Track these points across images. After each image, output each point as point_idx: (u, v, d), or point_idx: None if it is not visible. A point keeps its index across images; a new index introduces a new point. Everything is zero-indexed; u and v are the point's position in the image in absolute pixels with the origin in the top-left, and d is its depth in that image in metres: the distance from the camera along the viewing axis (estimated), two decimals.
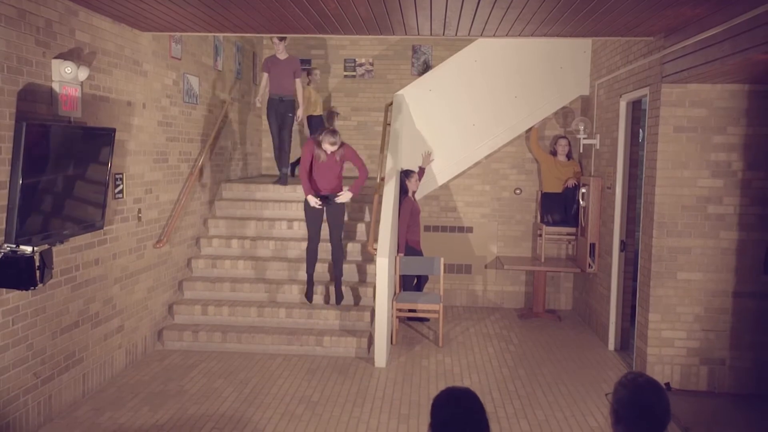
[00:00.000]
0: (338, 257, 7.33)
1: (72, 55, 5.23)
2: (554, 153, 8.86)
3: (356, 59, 10.49)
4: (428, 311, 7.92)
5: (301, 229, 8.23)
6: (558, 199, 8.75)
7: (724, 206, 6.04)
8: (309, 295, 7.33)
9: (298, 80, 8.89)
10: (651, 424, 2.38)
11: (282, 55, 8.71)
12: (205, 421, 5.25)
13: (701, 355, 6.14)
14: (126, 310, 6.34)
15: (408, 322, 8.26)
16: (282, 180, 8.91)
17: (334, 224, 7.35)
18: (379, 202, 7.57)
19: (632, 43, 6.79)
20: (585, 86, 8.67)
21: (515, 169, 9.28)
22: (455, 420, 2.39)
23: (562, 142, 8.78)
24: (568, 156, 8.78)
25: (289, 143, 9.03)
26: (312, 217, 7.28)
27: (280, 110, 8.81)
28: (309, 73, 9.58)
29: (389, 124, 8.37)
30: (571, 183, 8.61)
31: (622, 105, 7.18)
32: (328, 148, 7.05)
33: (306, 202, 7.21)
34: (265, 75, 8.81)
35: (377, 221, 7.39)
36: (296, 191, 8.74)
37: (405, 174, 8.08)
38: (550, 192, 8.81)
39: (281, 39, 8.58)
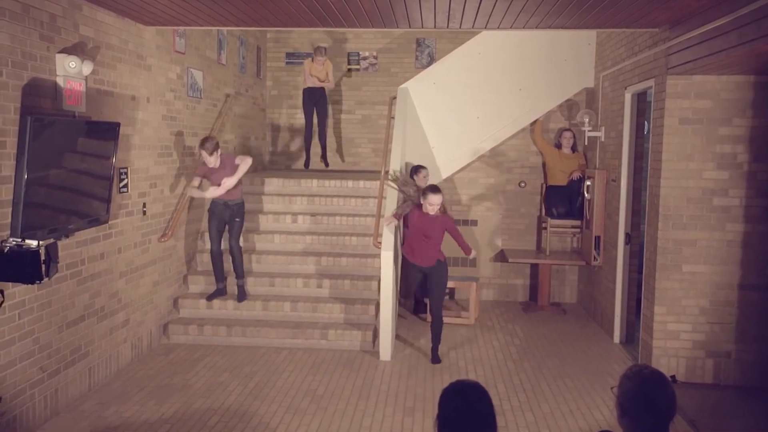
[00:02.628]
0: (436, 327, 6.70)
1: (76, 49, 5.23)
2: (559, 146, 8.84)
3: (360, 53, 10.46)
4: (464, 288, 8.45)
5: (305, 222, 8.23)
6: (563, 191, 8.72)
7: (729, 198, 6.02)
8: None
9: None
10: (656, 417, 2.38)
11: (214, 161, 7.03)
12: (211, 415, 5.27)
13: (707, 347, 6.13)
14: (131, 304, 6.36)
15: (413, 315, 8.27)
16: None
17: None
18: (383, 197, 7.55)
19: (637, 34, 6.75)
20: (590, 78, 8.64)
21: (520, 162, 9.25)
22: (462, 412, 2.39)
23: (567, 134, 8.75)
24: (573, 148, 8.76)
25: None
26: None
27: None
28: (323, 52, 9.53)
29: (393, 118, 8.35)
30: (575, 176, 8.58)
31: (627, 97, 7.15)
32: (434, 202, 6.47)
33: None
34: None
35: (382, 215, 7.37)
36: (300, 185, 8.75)
37: (414, 170, 7.68)
38: (555, 185, 8.79)
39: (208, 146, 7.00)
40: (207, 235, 7.45)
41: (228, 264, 7.44)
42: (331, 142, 10.40)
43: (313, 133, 9.77)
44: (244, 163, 7.12)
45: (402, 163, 7.73)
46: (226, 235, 7.39)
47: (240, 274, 7.37)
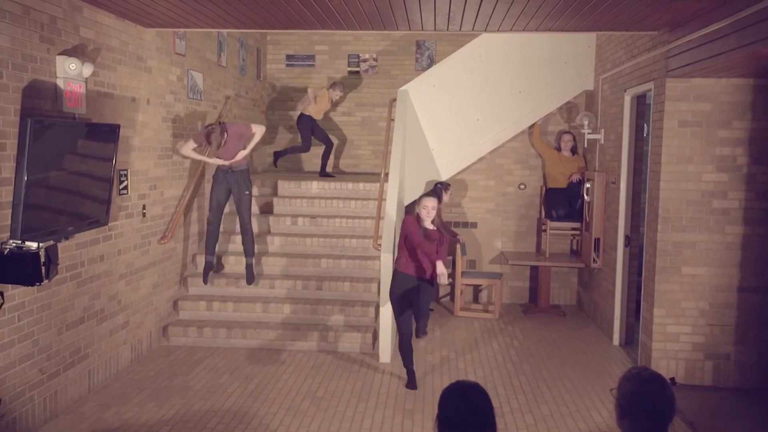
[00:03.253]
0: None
1: (76, 51, 5.24)
2: (559, 148, 8.85)
3: (360, 55, 10.47)
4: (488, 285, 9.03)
5: (304, 224, 8.24)
6: (562, 194, 8.73)
7: (729, 201, 6.03)
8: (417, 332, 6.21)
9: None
10: (655, 419, 2.38)
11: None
12: (211, 417, 5.27)
13: (706, 349, 6.13)
14: (131, 306, 6.36)
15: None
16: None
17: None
18: (383, 199, 7.56)
19: (637, 37, 6.76)
20: (589, 81, 8.65)
21: (519, 165, 9.26)
22: (462, 413, 2.39)
23: (566, 137, 8.76)
24: (573, 151, 8.76)
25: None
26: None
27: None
28: (335, 86, 9.60)
29: (393, 120, 8.36)
30: (575, 178, 8.59)
31: (627, 100, 7.16)
32: (427, 205, 5.90)
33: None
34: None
35: (381, 218, 7.38)
36: (300, 187, 8.75)
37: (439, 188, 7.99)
38: (555, 187, 8.79)
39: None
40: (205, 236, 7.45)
41: (232, 245, 7.36)
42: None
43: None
44: (258, 133, 7.16)
45: (401, 165, 7.72)
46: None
47: (249, 252, 7.31)
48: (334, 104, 10.13)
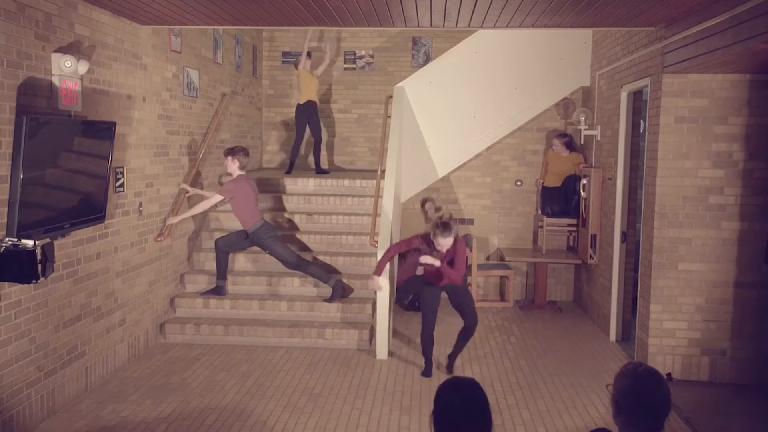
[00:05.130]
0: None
1: (71, 48, 5.22)
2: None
3: (356, 51, 10.46)
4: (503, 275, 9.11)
5: (301, 221, 8.23)
6: (558, 191, 8.73)
7: (725, 197, 6.04)
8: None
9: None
10: (652, 414, 2.39)
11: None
12: (208, 414, 5.27)
13: (702, 345, 6.14)
14: (128, 303, 6.36)
15: (408, 312, 8.28)
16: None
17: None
18: (380, 196, 7.56)
19: (633, 33, 6.77)
20: (586, 77, 8.65)
21: (516, 161, 9.26)
22: (457, 408, 2.40)
23: (555, 141, 8.69)
24: (569, 148, 8.70)
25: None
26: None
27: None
28: (309, 56, 9.55)
29: (390, 117, 8.36)
30: (578, 169, 8.49)
31: (623, 96, 7.16)
32: (442, 243, 5.86)
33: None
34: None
35: (378, 214, 7.38)
36: (297, 183, 8.75)
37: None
38: (549, 186, 8.77)
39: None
40: (203, 234, 7.43)
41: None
42: (324, 141, 10.42)
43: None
44: (205, 201, 7.17)
45: (398, 161, 7.72)
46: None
47: (319, 275, 7.17)
48: (315, 66, 9.80)
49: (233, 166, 7.17)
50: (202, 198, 7.40)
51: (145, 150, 6.58)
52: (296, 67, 9.55)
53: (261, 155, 10.65)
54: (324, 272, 7.23)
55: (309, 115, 9.46)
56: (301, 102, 9.43)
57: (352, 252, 7.92)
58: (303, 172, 9.67)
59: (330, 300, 7.19)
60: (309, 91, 9.43)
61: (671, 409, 2.43)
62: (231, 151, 7.18)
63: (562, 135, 8.74)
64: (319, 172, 9.57)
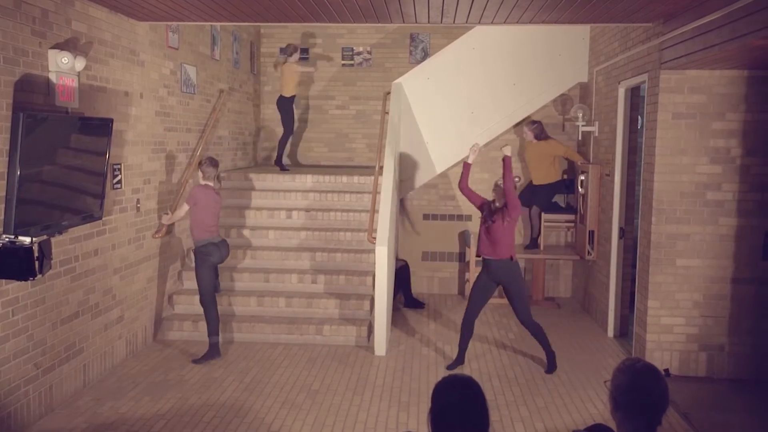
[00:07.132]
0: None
1: (68, 45, 5.21)
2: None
3: (354, 48, 10.44)
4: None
5: (299, 218, 8.23)
6: (543, 188, 8.63)
7: (722, 192, 6.04)
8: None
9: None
10: (649, 410, 2.39)
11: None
12: (206, 410, 5.27)
13: (700, 341, 6.15)
14: (126, 300, 6.35)
15: (405, 309, 8.29)
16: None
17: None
18: (378, 192, 7.56)
19: (631, 29, 6.76)
20: (583, 73, 8.65)
21: (514, 157, 9.18)
22: (455, 406, 2.40)
23: (525, 129, 8.56)
24: (537, 137, 8.46)
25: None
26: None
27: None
28: (288, 50, 9.51)
29: (388, 113, 8.34)
30: (577, 160, 8.43)
31: (621, 92, 7.16)
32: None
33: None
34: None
35: (376, 211, 7.37)
36: (295, 180, 8.74)
37: None
38: (537, 184, 8.67)
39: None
40: None
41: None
42: (322, 138, 10.41)
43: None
44: (181, 209, 6.55)
45: (396, 158, 7.71)
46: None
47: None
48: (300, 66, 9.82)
49: (198, 176, 6.61)
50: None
51: (142, 147, 6.57)
52: (287, 59, 9.45)
53: (257, 152, 10.62)
54: (216, 326, 6.44)
55: (293, 108, 9.51)
56: (287, 95, 9.42)
57: (351, 248, 7.92)
58: (301, 169, 9.66)
59: (196, 360, 6.33)
60: (294, 84, 9.48)
61: (669, 404, 2.43)
62: (199, 161, 6.69)
63: (531, 123, 8.57)
64: (279, 164, 9.49)
